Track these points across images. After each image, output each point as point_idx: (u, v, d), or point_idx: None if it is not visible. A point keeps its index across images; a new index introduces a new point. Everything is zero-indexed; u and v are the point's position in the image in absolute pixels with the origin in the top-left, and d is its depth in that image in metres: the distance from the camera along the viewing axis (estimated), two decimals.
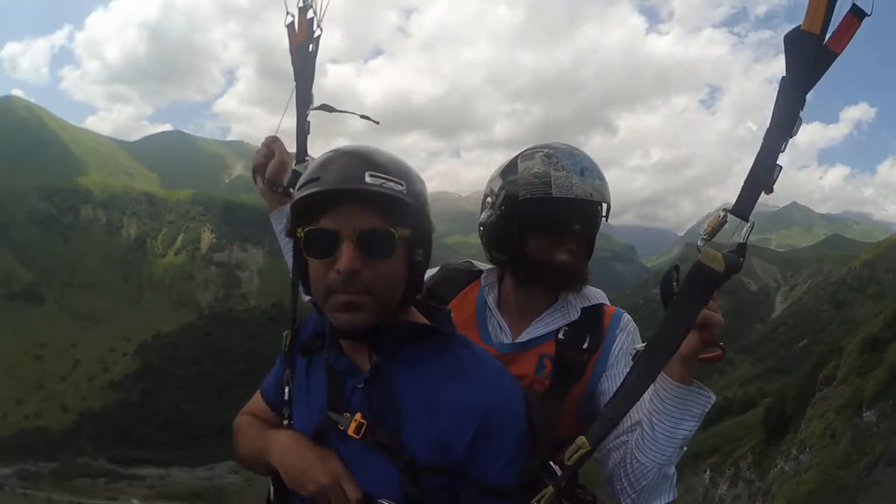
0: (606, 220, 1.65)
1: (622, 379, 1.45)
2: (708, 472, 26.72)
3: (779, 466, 17.89)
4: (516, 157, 1.64)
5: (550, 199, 1.54)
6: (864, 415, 13.32)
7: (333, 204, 1.13)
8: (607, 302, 1.70)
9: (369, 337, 1.19)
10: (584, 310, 1.63)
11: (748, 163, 1.09)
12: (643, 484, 1.37)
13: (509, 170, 1.63)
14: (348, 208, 1.13)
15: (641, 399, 1.21)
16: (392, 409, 1.17)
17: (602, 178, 1.59)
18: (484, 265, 1.78)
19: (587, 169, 1.57)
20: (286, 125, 1.77)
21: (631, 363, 1.50)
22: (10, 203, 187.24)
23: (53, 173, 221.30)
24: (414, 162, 1.53)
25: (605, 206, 1.62)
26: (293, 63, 1.69)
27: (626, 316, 1.66)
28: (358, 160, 1.14)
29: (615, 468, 1.43)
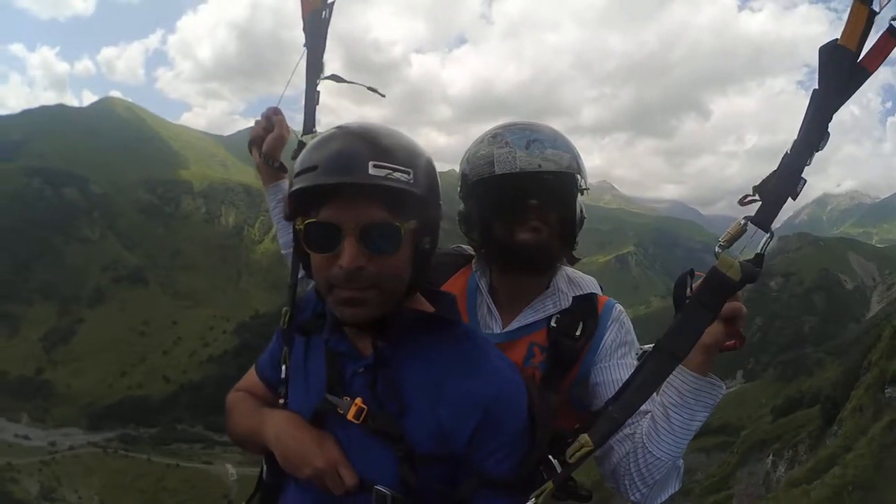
0: (583, 193, 1.57)
1: (615, 371, 1.49)
2: (771, 457, 27.81)
3: (828, 445, 19.15)
4: (472, 143, 1.60)
5: (494, 177, 1.49)
6: (886, 391, 14.68)
7: (334, 194, 1.07)
8: (600, 291, 1.65)
9: (374, 325, 1.15)
10: (576, 298, 1.58)
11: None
12: (656, 478, 1.33)
13: (465, 156, 1.60)
14: (350, 200, 1.06)
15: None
16: (395, 396, 1.14)
17: (558, 147, 1.49)
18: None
19: (536, 141, 1.48)
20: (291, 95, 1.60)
21: (622, 355, 1.54)
22: (116, 195, 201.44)
23: (155, 167, 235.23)
24: None
25: (579, 178, 1.54)
26: (305, 29, 1.64)
27: (619, 306, 1.61)
28: (362, 145, 1.06)
29: (621, 463, 1.39)
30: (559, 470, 1.16)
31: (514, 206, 1.49)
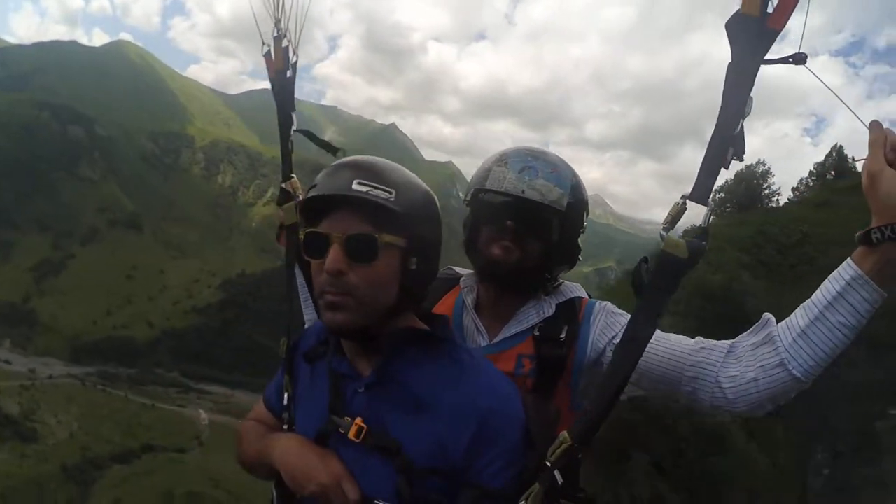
0: (582, 229, 1.62)
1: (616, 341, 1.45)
2: None
3: None
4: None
5: (482, 189, 1.56)
6: None
7: (330, 210, 1.18)
8: (584, 295, 1.64)
9: (367, 342, 1.22)
10: (559, 306, 1.58)
11: None
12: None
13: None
14: (341, 214, 1.17)
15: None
16: (393, 413, 1.19)
17: (551, 180, 1.52)
18: (466, 270, 1.75)
19: (530, 168, 1.52)
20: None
21: (623, 325, 1.49)
22: (121, 140, 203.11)
23: (160, 117, 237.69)
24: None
25: (575, 214, 1.58)
26: (272, 89, 1.71)
27: (602, 303, 1.60)
28: (353, 169, 1.18)
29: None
30: (558, 476, 1.16)
31: (491, 221, 1.55)
